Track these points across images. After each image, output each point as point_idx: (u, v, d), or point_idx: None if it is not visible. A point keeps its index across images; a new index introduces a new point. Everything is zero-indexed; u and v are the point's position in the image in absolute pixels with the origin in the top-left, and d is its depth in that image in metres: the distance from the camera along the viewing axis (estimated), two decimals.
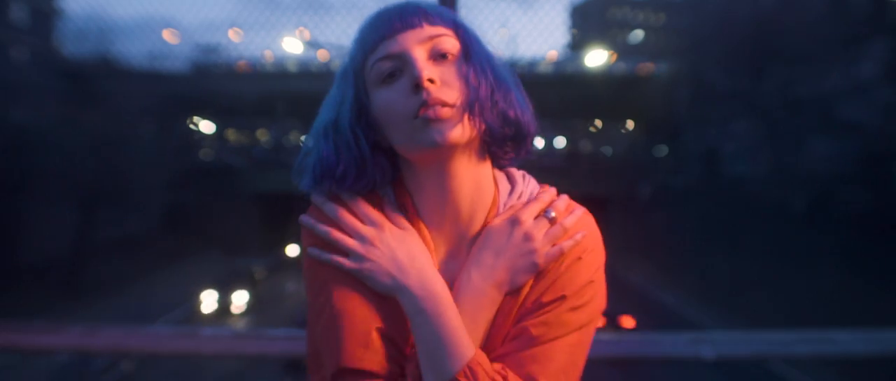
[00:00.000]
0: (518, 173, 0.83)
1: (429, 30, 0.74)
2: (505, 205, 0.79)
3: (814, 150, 14.87)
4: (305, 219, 0.80)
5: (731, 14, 17.62)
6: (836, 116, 14.43)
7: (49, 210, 14.28)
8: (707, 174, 18.13)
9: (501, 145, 0.79)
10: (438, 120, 0.70)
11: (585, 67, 17.53)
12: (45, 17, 21.35)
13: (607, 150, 26.77)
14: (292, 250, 20.02)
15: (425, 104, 0.70)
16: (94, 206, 15.14)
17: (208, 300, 15.01)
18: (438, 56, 0.74)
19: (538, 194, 0.81)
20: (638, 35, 33.60)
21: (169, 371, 10.34)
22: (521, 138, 0.79)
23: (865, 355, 2.01)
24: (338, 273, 0.75)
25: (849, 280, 11.70)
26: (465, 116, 0.72)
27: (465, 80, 0.73)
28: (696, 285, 15.60)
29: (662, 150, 21.53)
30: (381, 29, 0.74)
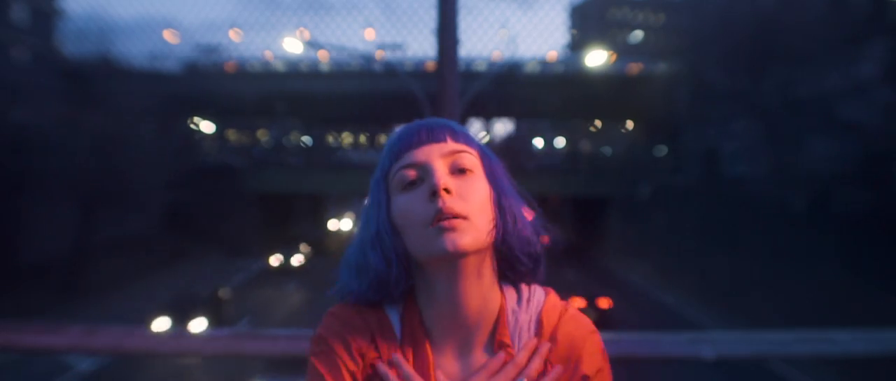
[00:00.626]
0: (525, 285, 0.85)
1: (452, 146, 0.80)
2: (512, 312, 0.82)
3: (813, 150, 14.87)
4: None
5: (730, 14, 17.62)
6: (835, 116, 14.42)
7: (49, 210, 14.26)
8: (707, 174, 18.13)
9: (517, 267, 0.82)
10: (452, 228, 0.74)
11: (585, 67, 17.53)
12: (46, 17, 21.35)
13: (607, 150, 26.76)
14: (275, 260, 18.96)
15: (440, 213, 0.74)
16: (94, 206, 15.11)
17: (160, 328, 12.12)
18: (458, 171, 0.79)
19: (519, 357, 0.80)
20: (637, 35, 33.61)
21: (170, 372, 10.35)
22: (536, 261, 0.82)
23: (865, 354, 2.01)
24: None
25: (848, 280, 11.70)
26: (476, 226, 0.76)
27: (485, 199, 0.79)
28: (695, 285, 15.62)
29: (662, 150, 21.52)
30: (409, 139, 0.80)
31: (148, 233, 16.14)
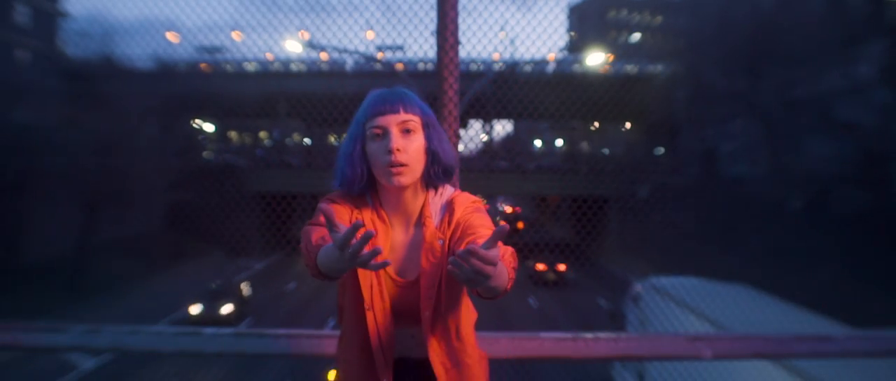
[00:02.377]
0: (441, 187, 1.43)
1: (403, 115, 1.32)
2: (431, 202, 1.40)
3: (812, 150, 14.91)
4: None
5: (729, 15, 17.66)
6: (833, 117, 14.47)
7: (52, 210, 14.31)
8: (705, 174, 18.18)
9: (439, 179, 1.39)
10: (399, 173, 1.30)
11: (584, 68, 17.56)
12: (49, 18, 21.41)
13: (605, 150, 26.78)
14: (194, 309, 15.65)
15: (391, 163, 1.29)
16: (96, 206, 15.16)
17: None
18: (405, 131, 1.32)
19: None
20: (635, 37, 33.67)
21: (171, 372, 10.40)
22: (449, 174, 1.39)
23: (865, 354, 2.05)
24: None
25: (847, 280, 11.74)
26: (413, 169, 1.32)
27: (420, 149, 1.33)
28: None
29: (660, 150, 21.56)
30: (377, 108, 1.32)
31: (150, 233, 16.19)
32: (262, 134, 27.62)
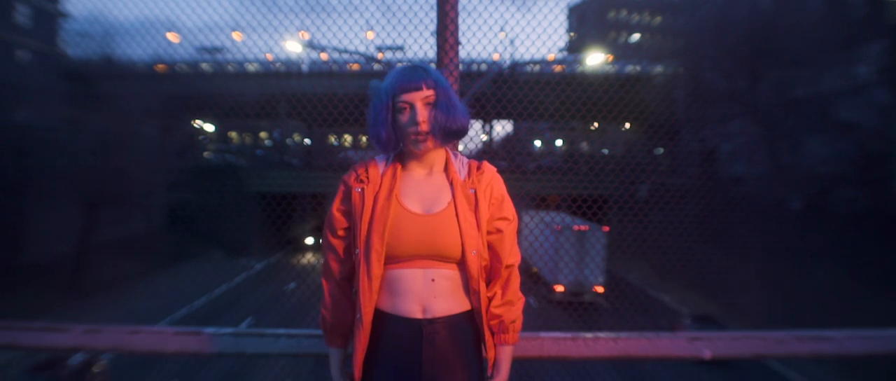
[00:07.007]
0: (456, 152, 1.67)
1: (425, 92, 1.54)
2: (454, 159, 1.65)
3: (811, 150, 14.93)
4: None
5: (728, 15, 17.68)
6: (833, 117, 14.48)
7: (52, 210, 14.32)
8: (704, 174, 18.19)
9: (451, 140, 1.59)
10: (424, 141, 1.55)
11: (584, 68, 17.57)
12: (49, 18, 21.42)
13: (605, 150, 26.79)
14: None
15: (418, 132, 1.54)
16: (97, 206, 15.17)
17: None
18: (427, 104, 1.54)
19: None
20: (635, 37, 33.70)
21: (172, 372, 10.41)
22: (460, 136, 1.59)
23: (862, 353, 2.08)
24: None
25: (845, 280, 11.75)
26: (433, 137, 1.55)
27: (436, 119, 1.54)
28: (693, 285, 15.68)
29: (660, 150, 21.56)
30: (404, 85, 1.54)
31: (150, 233, 16.22)
32: (263, 134, 27.68)
